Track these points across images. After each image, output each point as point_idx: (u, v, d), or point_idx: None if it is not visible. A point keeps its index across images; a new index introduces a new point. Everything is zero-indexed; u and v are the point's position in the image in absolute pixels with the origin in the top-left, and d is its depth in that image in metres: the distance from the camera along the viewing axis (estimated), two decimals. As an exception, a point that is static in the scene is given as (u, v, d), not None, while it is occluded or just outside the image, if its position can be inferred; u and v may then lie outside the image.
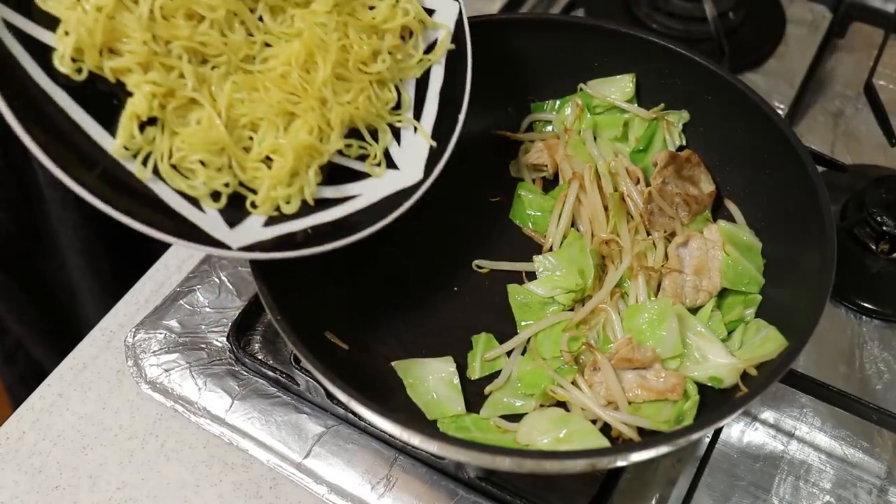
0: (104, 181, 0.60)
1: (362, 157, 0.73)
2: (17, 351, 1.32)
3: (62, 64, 0.61)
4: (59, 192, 1.08)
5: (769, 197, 0.79)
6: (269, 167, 0.67)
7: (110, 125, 0.62)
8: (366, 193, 0.72)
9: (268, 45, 0.69)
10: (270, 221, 0.67)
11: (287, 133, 0.68)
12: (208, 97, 0.65)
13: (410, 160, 0.74)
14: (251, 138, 0.67)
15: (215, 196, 0.66)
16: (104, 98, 0.63)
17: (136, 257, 1.03)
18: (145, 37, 0.62)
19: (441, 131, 0.75)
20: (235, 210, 0.66)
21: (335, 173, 0.71)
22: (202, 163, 0.65)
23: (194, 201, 0.64)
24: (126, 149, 0.63)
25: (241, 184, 0.67)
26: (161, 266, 0.88)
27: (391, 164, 0.74)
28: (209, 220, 0.64)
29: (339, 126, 0.70)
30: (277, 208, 0.68)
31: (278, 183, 0.67)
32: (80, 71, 0.62)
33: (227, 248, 0.64)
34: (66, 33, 0.61)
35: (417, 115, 0.76)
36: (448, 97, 0.76)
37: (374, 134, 0.74)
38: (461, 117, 0.75)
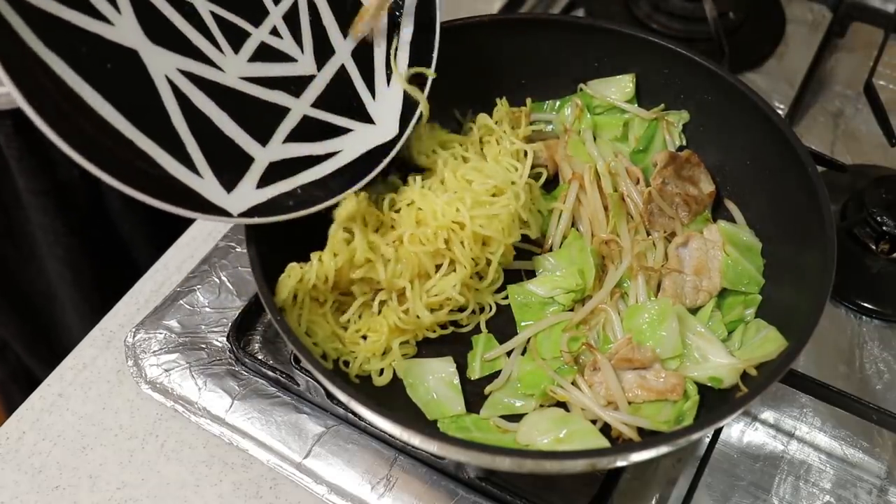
0: (102, 149, 0.60)
1: (343, 111, 0.74)
2: (6, 350, 1.32)
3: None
4: (41, 198, 1.07)
5: (769, 197, 0.79)
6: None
7: (117, 99, 0.62)
8: (346, 149, 0.73)
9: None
10: (263, 182, 0.68)
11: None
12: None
13: (385, 115, 0.75)
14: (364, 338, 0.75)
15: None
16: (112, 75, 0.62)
17: (117, 266, 1.02)
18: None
19: (413, 84, 0.77)
20: (230, 173, 0.67)
21: (316, 129, 0.72)
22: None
23: (191, 165, 0.64)
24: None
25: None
26: (161, 266, 0.88)
27: (367, 118, 0.75)
28: (207, 185, 0.65)
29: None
30: (270, 168, 0.70)
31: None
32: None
33: (229, 215, 0.65)
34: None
35: (389, 66, 0.77)
36: (419, 50, 0.77)
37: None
38: (431, 71, 0.77)
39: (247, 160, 0.68)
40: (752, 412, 0.78)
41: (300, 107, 0.72)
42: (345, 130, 0.73)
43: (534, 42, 0.86)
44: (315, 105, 0.72)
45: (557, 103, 0.90)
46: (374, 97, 0.76)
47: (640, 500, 0.72)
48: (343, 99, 0.74)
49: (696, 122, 0.86)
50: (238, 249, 0.86)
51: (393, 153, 0.74)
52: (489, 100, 0.86)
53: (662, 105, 0.87)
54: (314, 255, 0.71)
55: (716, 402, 0.70)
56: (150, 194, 0.61)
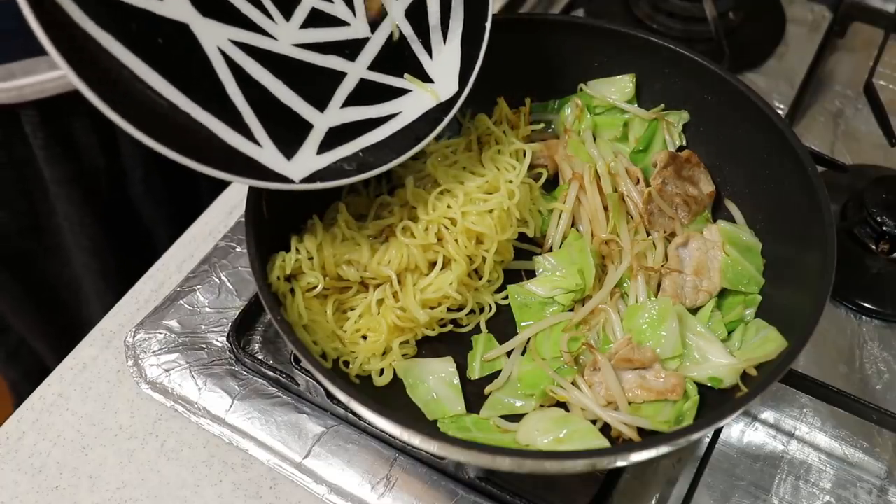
0: (160, 124, 0.60)
1: (400, 72, 0.74)
2: (21, 348, 1.32)
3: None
4: (66, 187, 1.07)
5: (769, 197, 0.79)
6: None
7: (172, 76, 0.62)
8: (406, 110, 0.73)
9: None
10: (324, 148, 0.68)
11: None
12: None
13: (444, 73, 0.75)
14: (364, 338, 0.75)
15: None
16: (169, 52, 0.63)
17: (141, 255, 1.03)
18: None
19: (470, 39, 0.76)
20: (289, 140, 0.67)
21: (374, 92, 0.72)
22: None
23: (249, 135, 0.64)
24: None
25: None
26: (161, 266, 0.88)
27: (426, 77, 0.74)
28: (267, 153, 0.65)
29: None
30: (330, 133, 0.69)
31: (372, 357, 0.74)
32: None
33: (290, 181, 0.65)
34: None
35: (445, 24, 0.76)
36: (473, 6, 0.76)
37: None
38: (488, 25, 0.76)
39: (305, 127, 0.68)
40: (752, 412, 0.78)
41: (356, 70, 0.71)
42: (403, 91, 0.73)
43: (534, 42, 0.86)
44: (371, 68, 0.72)
45: (557, 103, 0.90)
46: (430, 56, 0.75)
47: (640, 500, 0.72)
48: (399, 60, 0.73)
49: (696, 122, 0.86)
50: (238, 249, 0.87)
51: (454, 110, 0.74)
52: (489, 100, 0.86)
53: (662, 105, 0.87)
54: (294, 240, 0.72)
55: (716, 402, 0.70)
56: (212, 165, 0.61)
